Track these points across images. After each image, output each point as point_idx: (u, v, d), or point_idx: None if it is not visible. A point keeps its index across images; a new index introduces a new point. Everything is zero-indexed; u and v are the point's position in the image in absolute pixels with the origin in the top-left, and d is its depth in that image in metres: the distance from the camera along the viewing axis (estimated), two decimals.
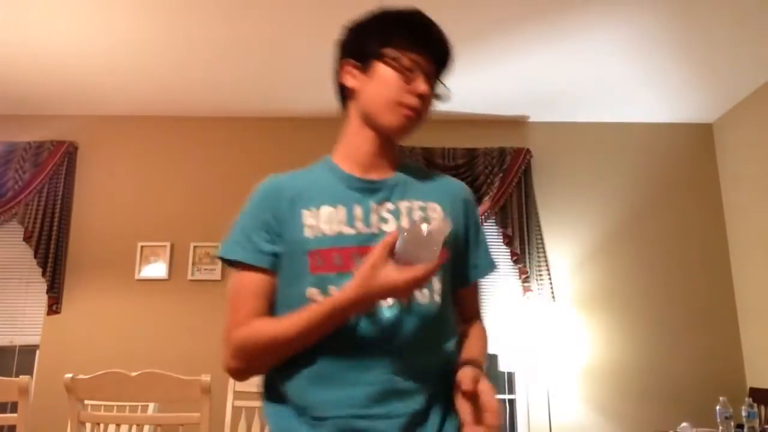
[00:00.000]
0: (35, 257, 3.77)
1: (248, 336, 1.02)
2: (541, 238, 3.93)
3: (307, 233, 1.04)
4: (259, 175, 4.22)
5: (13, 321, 3.81)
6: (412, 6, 1.14)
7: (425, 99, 1.07)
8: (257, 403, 3.11)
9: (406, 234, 0.91)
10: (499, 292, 3.86)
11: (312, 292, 1.02)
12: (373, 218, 1.05)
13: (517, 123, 4.15)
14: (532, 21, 3.00)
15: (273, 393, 1.07)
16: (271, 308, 1.07)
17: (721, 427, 2.63)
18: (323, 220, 1.04)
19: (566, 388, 3.75)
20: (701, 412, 3.55)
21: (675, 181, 4.08)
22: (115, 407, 2.91)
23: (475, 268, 1.17)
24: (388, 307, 1.01)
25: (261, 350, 1.02)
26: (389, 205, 1.07)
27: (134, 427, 2.93)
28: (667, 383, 3.76)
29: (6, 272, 3.87)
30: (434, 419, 1.04)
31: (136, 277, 3.86)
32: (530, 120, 4.16)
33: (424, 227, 0.91)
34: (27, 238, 3.80)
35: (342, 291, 0.96)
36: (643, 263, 3.95)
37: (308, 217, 1.05)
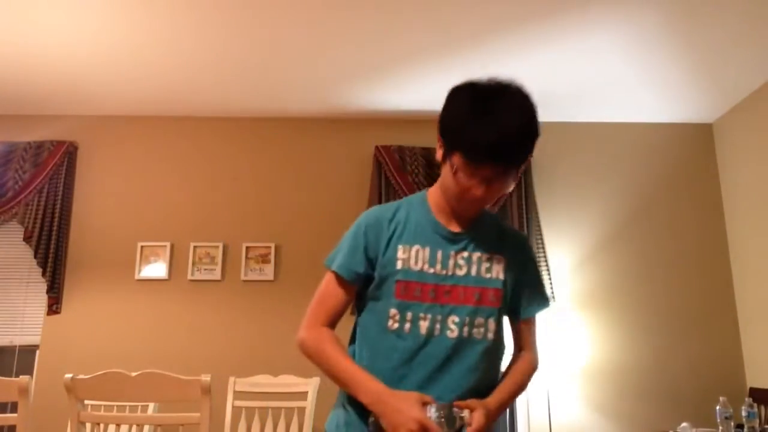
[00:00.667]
0: (35, 257, 3.77)
1: (314, 346, 1.33)
2: (541, 238, 3.93)
3: (399, 265, 1.29)
4: (259, 175, 4.20)
5: (13, 321, 3.81)
6: (500, 98, 1.22)
7: (489, 194, 1.26)
8: (257, 403, 3.11)
9: (437, 413, 1.14)
10: None
11: (393, 312, 1.28)
12: (450, 263, 1.30)
13: None
14: (532, 21, 3.00)
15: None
16: (344, 311, 1.36)
17: (721, 427, 2.62)
18: (412, 257, 1.30)
19: (566, 388, 3.75)
20: (701, 412, 3.55)
21: (675, 181, 4.08)
22: (115, 407, 2.91)
23: (529, 307, 1.40)
24: (450, 337, 1.27)
25: (316, 363, 1.34)
26: (464, 254, 1.31)
27: (134, 427, 2.93)
28: (667, 383, 3.76)
29: (6, 272, 3.87)
30: None
31: (136, 277, 3.86)
32: None
33: (462, 415, 1.16)
34: (27, 238, 3.80)
35: (369, 389, 1.22)
36: (643, 263, 3.95)
37: (402, 252, 1.30)
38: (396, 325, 1.27)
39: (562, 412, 3.70)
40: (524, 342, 1.42)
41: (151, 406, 2.94)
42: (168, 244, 3.90)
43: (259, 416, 3.14)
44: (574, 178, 4.08)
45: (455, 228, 1.33)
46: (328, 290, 1.35)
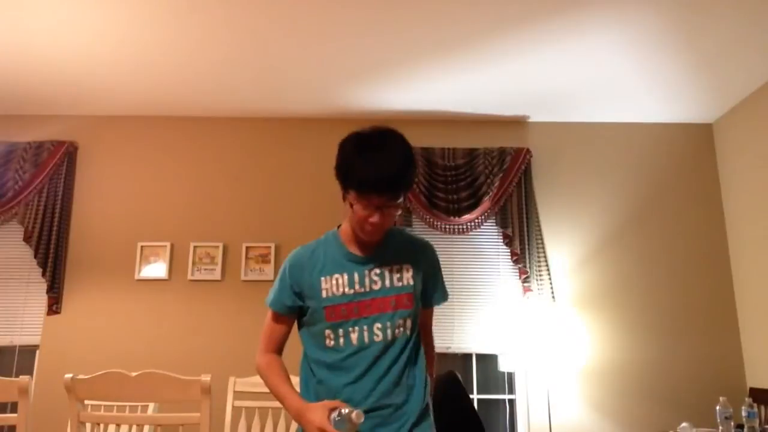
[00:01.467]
0: (35, 257, 3.77)
1: (263, 371, 1.64)
2: (541, 238, 3.93)
3: (324, 294, 1.56)
4: (259, 175, 4.20)
5: (13, 321, 3.81)
6: (372, 143, 1.51)
7: (383, 220, 1.49)
8: (257, 403, 3.11)
9: (338, 418, 1.37)
10: (499, 292, 3.87)
11: (328, 332, 1.56)
12: (366, 281, 1.56)
13: (517, 123, 4.15)
14: (532, 21, 3.00)
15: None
16: (286, 337, 1.67)
17: (721, 427, 2.63)
18: (333, 285, 1.56)
19: (566, 388, 3.75)
20: (701, 412, 3.55)
21: (675, 181, 4.08)
22: (115, 407, 2.91)
23: (431, 299, 1.70)
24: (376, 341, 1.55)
25: (264, 382, 1.65)
26: (377, 270, 1.57)
27: (134, 427, 2.93)
28: (667, 383, 3.76)
29: (6, 272, 3.87)
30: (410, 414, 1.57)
31: (136, 277, 3.86)
32: (530, 120, 4.16)
33: (352, 415, 1.36)
34: (27, 238, 3.80)
35: (291, 407, 1.54)
36: (643, 263, 3.95)
37: (324, 282, 1.57)
38: (332, 342, 1.55)
39: (562, 412, 3.70)
40: (427, 325, 1.76)
41: (151, 406, 2.94)
42: (168, 244, 3.90)
43: (259, 416, 3.14)
44: (574, 178, 4.08)
45: (365, 252, 1.59)
46: (269, 324, 1.66)
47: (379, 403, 1.51)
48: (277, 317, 1.64)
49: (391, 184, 1.44)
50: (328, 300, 1.55)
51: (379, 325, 1.53)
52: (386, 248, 1.61)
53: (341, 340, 1.54)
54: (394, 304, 1.54)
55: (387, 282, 1.56)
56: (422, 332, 1.68)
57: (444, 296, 1.73)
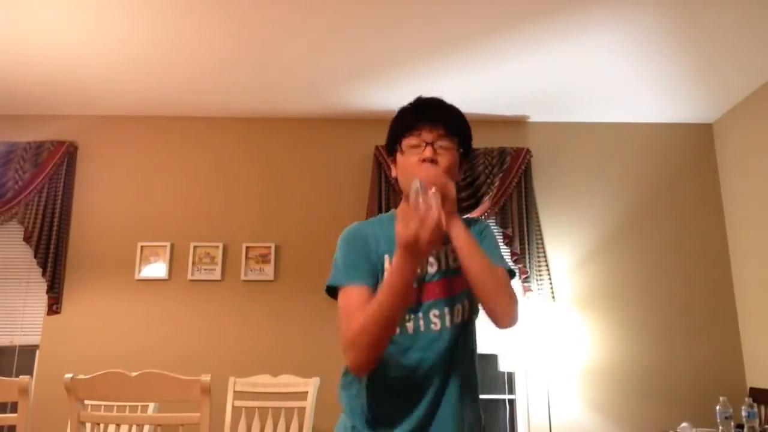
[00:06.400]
0: (35, 257, 3.77)
1: (363, 318, 1.25)
2: (541, 238, 3.93)
3: (387, 273, 1.34)
4: (259, 175, 4.20)
5: (13, 321, 3.81)
6: (420, 96, 1.48)
7: (436, 156, 1.35)
8: (257, 403, 3.11)
9: (417, 192, 1.20)
10: None
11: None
12: (423, 263, 1.38)
13: (517, 123, 4.15)
14: (532, 21, 3.00)
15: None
16: None
17: (721, 427, 2.63)
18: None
19: (566, 388, 3.75)
20: (701, 412, 3.55)
21: (675, 181, 4.08)
22: (115, 407, 2.91)
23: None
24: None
25: (372, 322, 1.24)
26: (433, 252, 1.39)
27: (134, 427, 2.94)
28: (667, 383, 3.76)
29: (6, 272, 3.87)
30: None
31: (136, 277, 3.86)
32: (530, 120, 4.16)
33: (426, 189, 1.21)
34: (27, 238, 3.80)
35: (392, 278, 1.24)
36: (643, 263, 3.95)
37: (387, 262, 1.38)
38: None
39: (562, 412, 3.70)
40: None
41: (151, 406, 2.94)
42: (168, 244, 3.90)
43: (259, 416, 3.14)
44: (574, 178, 4.08)
45: None
46: (348, 304, 1.33)
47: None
48: (355, 292, 1.33)
49: (434, 112, 1.40)
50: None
51: (436, 312, 1.38)
52: None
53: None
54: (450, 287, 1.40)
55: (443, 264, 1.41)
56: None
57: (503, 263, 1.45)
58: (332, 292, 1.40)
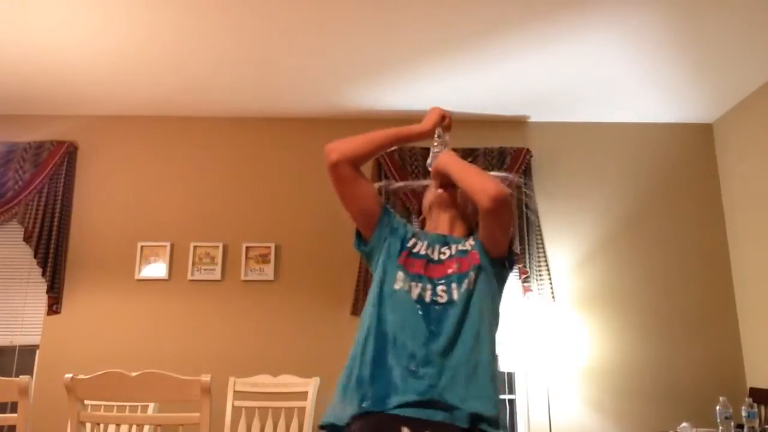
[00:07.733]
0: (35, 257, 3.77)
1: (349, 141, 1.75)
2: (541, 238, 3.93)
3: (409, 244, 1.62)
4: (259, 175, 4.21)
5: (13, 321, 3.81)
6: None
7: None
8: (257, 403, 3.11)
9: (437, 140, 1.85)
10: None
11: (400, 275, 1.55)
12: (436, 249, 1.63)
13: (517, 123, 4.15)
14: (532, 21, 3.00)
15: None
16: (366, 192, 1.73)
17: (721, 427, 2.62)
18: (418, 245, 1.63)
19: (566, 388, 3.75)
20: (701, 412, 3.55)
21: (675, 181, 4.08)
22: (115, 407, 2.91)
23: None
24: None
25: (360, 146, 1.77)
26: (446, 247, 1.64)
27: (134, 427, 2.93)
28: (667, 383, 3.76)
29: (6, 272, 3.87)
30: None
31: (136, 277, 3.86)
32: (530, 120, 4.16)
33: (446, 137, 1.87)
34: (27, 238, 3.80)
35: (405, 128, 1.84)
36: (643, 263, 3.95)
37: (411, 239, 1.65)
38: (399, 285, 1.54)
39: (562, 412, 3.70)
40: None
41: (151, 406, 2.94)
42: (168, 244, 3.90)
43: (259, 416, 3.14)
44: (573, 178, 4.08)
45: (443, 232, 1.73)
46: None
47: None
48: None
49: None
50: (408, 250, 1.61)
51: (443, 287, 1.55)
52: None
53: (405, 286, 1.58)
54: (458, 266, 1.56)
55: (454, 250, 1.64)
56: None
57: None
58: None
